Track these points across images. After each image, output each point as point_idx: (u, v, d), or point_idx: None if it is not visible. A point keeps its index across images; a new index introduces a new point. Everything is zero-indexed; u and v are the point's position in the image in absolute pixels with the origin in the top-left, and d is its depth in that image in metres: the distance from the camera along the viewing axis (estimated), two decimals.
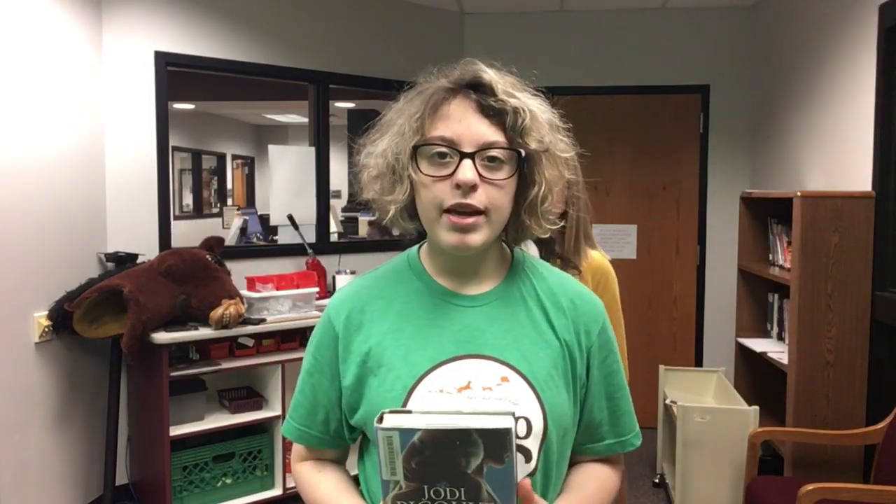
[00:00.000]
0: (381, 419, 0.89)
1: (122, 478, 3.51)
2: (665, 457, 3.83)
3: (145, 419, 3.39)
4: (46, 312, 3.06)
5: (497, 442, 0.85)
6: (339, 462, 1.18)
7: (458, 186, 0.97)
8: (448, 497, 0.87)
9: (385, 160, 1.04)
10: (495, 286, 1.09)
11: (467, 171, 0.97)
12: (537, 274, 1.13)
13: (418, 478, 0.87)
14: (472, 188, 0.97)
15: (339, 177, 9.42)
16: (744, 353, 3.84)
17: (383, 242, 5.35)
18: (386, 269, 1.15)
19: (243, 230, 5.74)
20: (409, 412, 0.92)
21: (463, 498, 0.87)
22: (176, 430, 3.20)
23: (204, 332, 3.25)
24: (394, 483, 0.88)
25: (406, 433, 0.86)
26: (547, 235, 1.27)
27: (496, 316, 1.06)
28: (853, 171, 3.17)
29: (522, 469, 0.99)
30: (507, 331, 1.05)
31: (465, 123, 1.00)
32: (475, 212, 0.98)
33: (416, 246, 1.15)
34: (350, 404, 1.07)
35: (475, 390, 0.99)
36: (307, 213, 4.27)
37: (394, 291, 1.10)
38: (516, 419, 0.90)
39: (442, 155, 0.99)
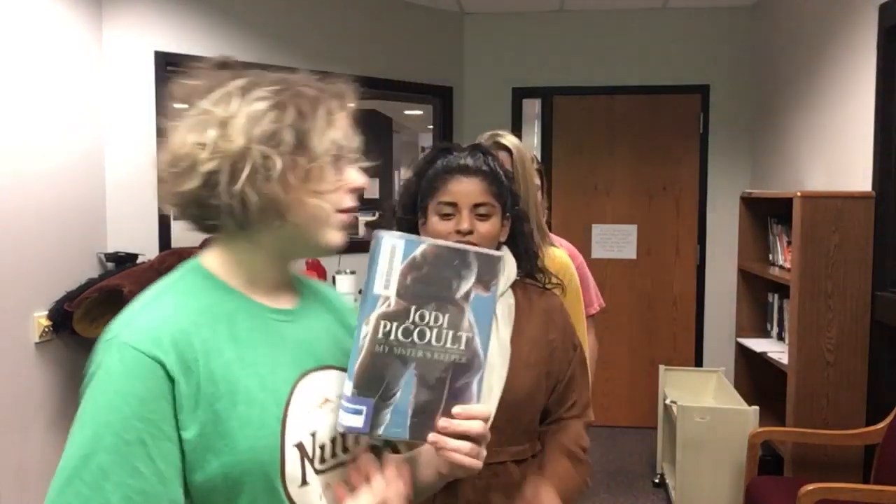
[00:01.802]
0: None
1: None
2: (665, 457, 3.83)
3: None
4: (46, 312, 3.06)
5: (489, 267, 0.93)
6: None
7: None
8: (431, 322, 0.91)
9: None
10: (298, 301, 1.04)
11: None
12: (314, 285, 1.14)
13: (409, 296, 0.90)
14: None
15: None
16: (744, 353, 3.84)
17: None
18: (178, 291, 0.95)
19: None
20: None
21: (445, 324, 0.91)
22: None
23: None
24: (383, 299, 0.90)
25: (411, 244, 0.90)
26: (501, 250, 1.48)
27: (314, 328, 1.02)
28: (853, 171, 3.17)
29: None
30: (334, 341, 1.02)
31: None
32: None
33: (198, 261, 1.01)
34: (196, 460, 0.85)
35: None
36: None
37: (211, 315, 0.91)
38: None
39: None
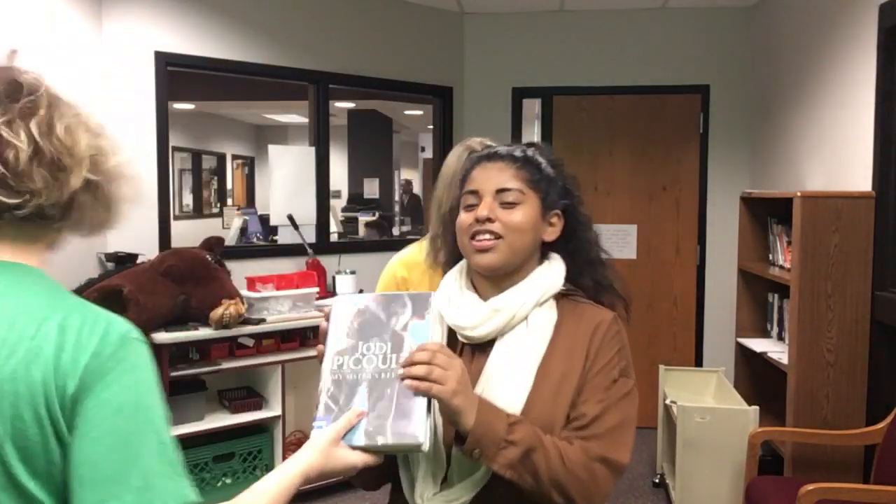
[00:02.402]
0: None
1: None
2: (665, 457, 3.83)
3: None
4: None
5: (422, 302, 1.13)
6: None
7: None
8: (376, 350, 1.09)
9: None
10: None
11: None
12: None
13: (356, 335, 1.11)
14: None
15: (339, 177, 9.44)
16: (744, 353, 3.84)
17: (382, 242, 5.35)
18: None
19: (243, 230, 5.74)
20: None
21: (388, 350, 1.09)
22: (176, 430, 3.20)
23: (204, 332, 3.25)
24: (336, 340, 1.12)
25: (359, 299, 1.15)
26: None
27: None
28: (853, 171, 3.17)
29: None
30: None
31: None
32: None
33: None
34: None
35: None
36: (307, 213, 4.27)
37: None
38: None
39: None
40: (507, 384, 1.17)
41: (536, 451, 1.09)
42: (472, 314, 1.21)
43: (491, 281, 1.26)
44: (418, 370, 1.06)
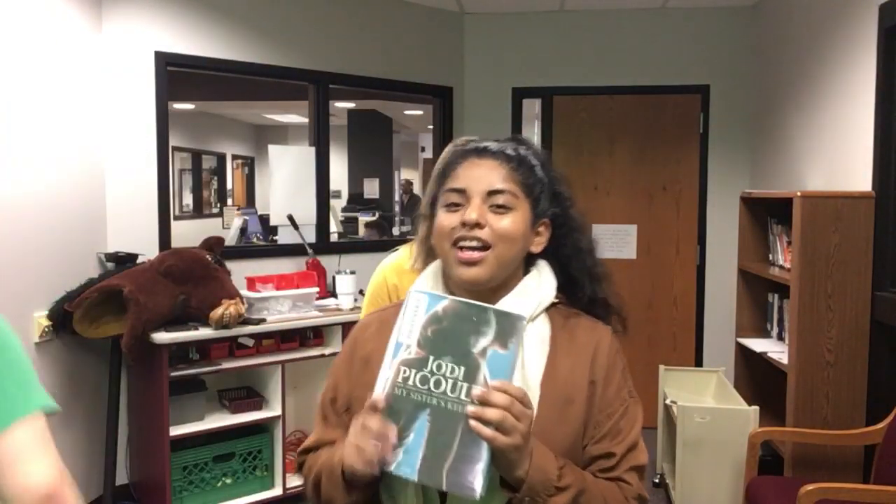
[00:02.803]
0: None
1: (122, 478, 3.51)
2: (665, 457, 3.83)
3: (145, 419, 3.39)
4: (46, 312, 3.06)
5: (509, 326, 0.94)
6: None
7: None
8: (447, 373, 0.94)
9: None
10: None
11: None
12: None
13: (428, 346, 0.96)
14: None
15: (339, 177, 9.44)
16: (744, 353, 3.84)
17: (382, 242, 5.35)
18: None
19: (243, 230, 5.75)
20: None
21: (460, 377, 0.94)
22: (176, 430, 3.20)
23: (204, 332, 3.25)
24: (405, 347, 0.97)
25: (434, 298, 0.98)
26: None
27: None
28: (853, 171, 3.17)
29: None
30: None
31: None
32: None
33: None
34: None
35: None
36: (307, 213, 4.27)
37: None
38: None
39: None
40: None
41: (584, 494, 1.03)
42: None
43: (473, 294, 1.09)
44: (492, 414, 0.92)
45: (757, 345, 3.64)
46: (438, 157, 1.40)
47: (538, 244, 1.16)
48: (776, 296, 3.67)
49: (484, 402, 0.92)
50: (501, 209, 1.10)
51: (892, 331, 2.86)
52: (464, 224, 1.08)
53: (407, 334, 0.97)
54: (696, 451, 3.23)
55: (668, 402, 3.64)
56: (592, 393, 1.11)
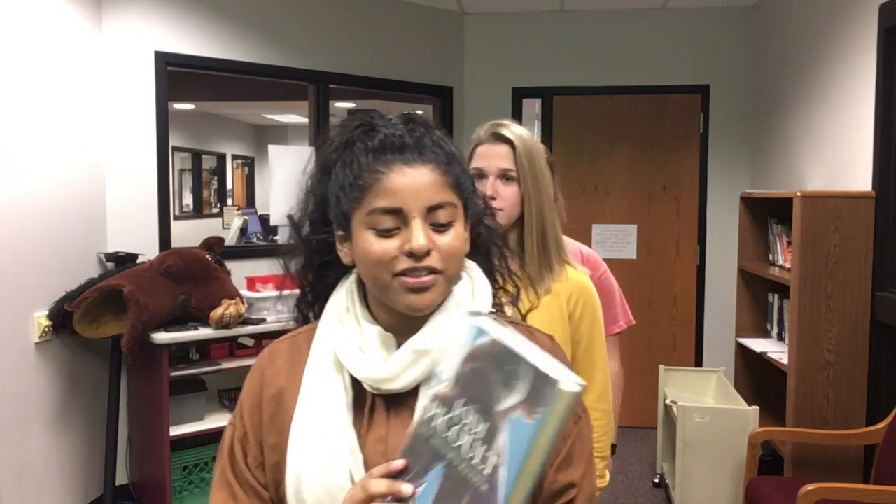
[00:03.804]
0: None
1: (122, 478, 3.51)
2: (665, 457, 3.83)
3: (145, 419, 3.39)
4: (46, 312, 3.06)
5: (543, 392, 0.76)
6: None
7: None
8: (470, 426, 0.81)
9: None
10: None
11: None
12: None
13: (462, 385, 0.83)
14: None
15: None
16: (744, 353, 3.84)
17: None
18: None
19: (243, 230, 5.75)
20: (501, 323, 0.87)
21: (480, 436, 0.80)
22: (176, 430, 3.20)
23: (204, 332, 3.25)
24: (441, 377, 0.85)
25: (478, 333, 0.83)
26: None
27: None
28: (853, 171, 3.17)
29: None
30: None
31: None
32: None
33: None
34: None
35: None
36: None
37: None
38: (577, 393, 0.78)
39: None
40: None
41: None
42: (391, 363, 0.91)
43: (404, 315, 0.94)
44: None
45: (757, 345, 3.64)
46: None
47: (467, 245, 0.98)
48: (776, 296, 3.67)
49: None
50: (443, 227, 0.92)
51: (892, 331, 2.86)
52: (410, 254, 0.89)
53: (448, 362, 0.85)
54: (696, 451, 3.23)
55: (668, 402, 3.64)
56: None
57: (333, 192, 0.95)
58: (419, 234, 0.89)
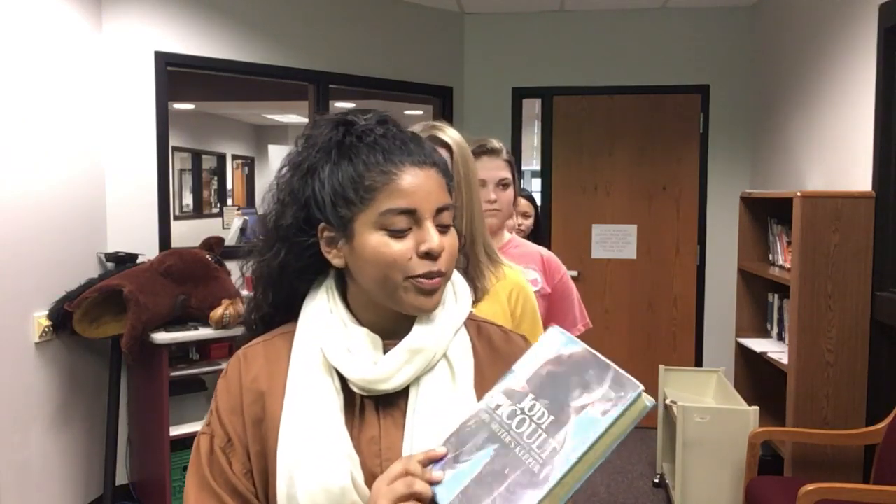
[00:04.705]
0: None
1: (122, 478, 3.51)
2: (665, 457, 3.83)
3: (145, 419, 3.39)
4: (46, 312, 3.06)
5: (617, 393, 0.82)
6: None
7: None
8: (536, 417, 0.85)
9: None
10: None
11: None
12: None
13: (534, 384, 0.87)
14: None
15: None
16: (744, 353, 3.84)
17: None
18: None
19: (243, 230, 5.74)
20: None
21: (545, 424, 0.84)
22: (176, 430, 3.21)
23: (204, 332, 3.25)
24: (514, 377, 0.89)
25: (569, 342, 0.89)
26: None
27: None
28: (853, 171, 3.17)
29: None
30: None
31: None
32: None
33: None
34: None
35: None
36: None
37: None
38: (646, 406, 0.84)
39: None
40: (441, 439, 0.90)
41: None
42: (385, 363, 0.92)
43: (398, 315, 0.95)
44: None
45: (757, 345, 3.64)
46: None
47: None
48: (776, 296, 3.67)
49: None
50: (446, 229, 0.94)
51: (892, 331, 2.86)
52: (427, 254, 0.90)
53: (524, 363, 0.89)
54: (696, 451, 3.23)
55: (668, 402, 3.64)
56: None
57: (326, 192, 0.92)
58: (434, 235, 0.90)
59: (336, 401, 0.91)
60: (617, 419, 0.81)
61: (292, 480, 0.88)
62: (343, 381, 0.93)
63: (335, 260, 0.95)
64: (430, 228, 0.91)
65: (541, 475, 0.82)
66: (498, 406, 0.87)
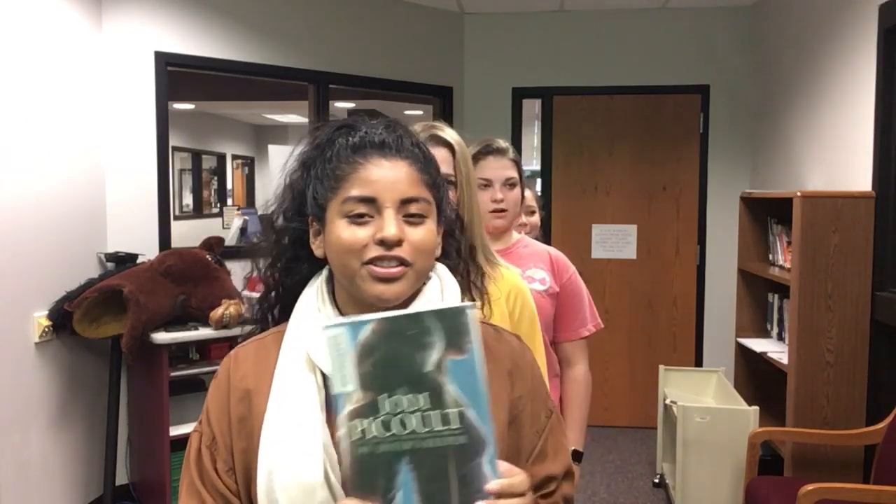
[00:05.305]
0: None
1: (122, 478, 3.51)
2: (665, 457, 3.83)
3: (145, 419, 3.39)
4: (46, 312, 3.06)
5: (455, 324, 0.78)
6: None
7: None
8: (408, 408, 0.77)
9: None
10: None
11: None
12: None
13: (374, 385, 0.78)
14: None
15: None
16: (744, 353, 3.84)
17: None
18: None
19: (243, 230, 5.74)
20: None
21: (427, 406, 0.77)
22: (176, 430, 3.20)
23: (204, 332, 3.25)
24: (346, 396, 0.78)
25: (354, 327, 0.78)
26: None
27: None
28: (853, 171, 3.17)
29: None
30: None
31: None
32: None
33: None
34: None
35: None
36: None
37: None
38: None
39: None
40: None
41: None
42: None
43: (373, 309, 0.93)
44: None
45: (757, 345, 3.64)
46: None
47: (438, 249, 1.01)
48: (776, 296, 3.67)
49: (504, 494, 0.80)
50: (417, 220, 0.94)
51: (892, 331, 2.86)
52: (381, 242, 0.91)
53: (341, 381, 0.78)
54: (696, 451, 3.23)
55: (668, 402, 3.65)
56: (517, 410, 1.00)
57: (311, 185, 0.97)
58: (391, 224, 0.91)
59: (316, 397, 0.91)
60: (476, 344, 0.78)
61: (271, 475, 0.89)
62: (327, 378, 0.92)
63: (317, 250, 0.98)
64: (388, 217, 0.92)
65: (474, 440, 0.79)
66: (364, 431, 0.78)
